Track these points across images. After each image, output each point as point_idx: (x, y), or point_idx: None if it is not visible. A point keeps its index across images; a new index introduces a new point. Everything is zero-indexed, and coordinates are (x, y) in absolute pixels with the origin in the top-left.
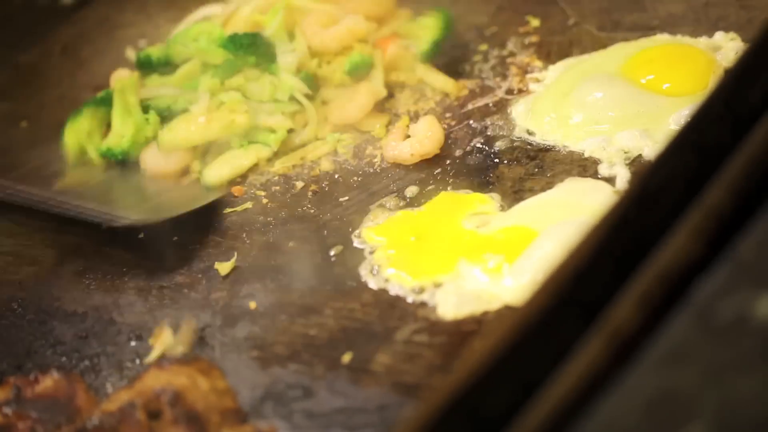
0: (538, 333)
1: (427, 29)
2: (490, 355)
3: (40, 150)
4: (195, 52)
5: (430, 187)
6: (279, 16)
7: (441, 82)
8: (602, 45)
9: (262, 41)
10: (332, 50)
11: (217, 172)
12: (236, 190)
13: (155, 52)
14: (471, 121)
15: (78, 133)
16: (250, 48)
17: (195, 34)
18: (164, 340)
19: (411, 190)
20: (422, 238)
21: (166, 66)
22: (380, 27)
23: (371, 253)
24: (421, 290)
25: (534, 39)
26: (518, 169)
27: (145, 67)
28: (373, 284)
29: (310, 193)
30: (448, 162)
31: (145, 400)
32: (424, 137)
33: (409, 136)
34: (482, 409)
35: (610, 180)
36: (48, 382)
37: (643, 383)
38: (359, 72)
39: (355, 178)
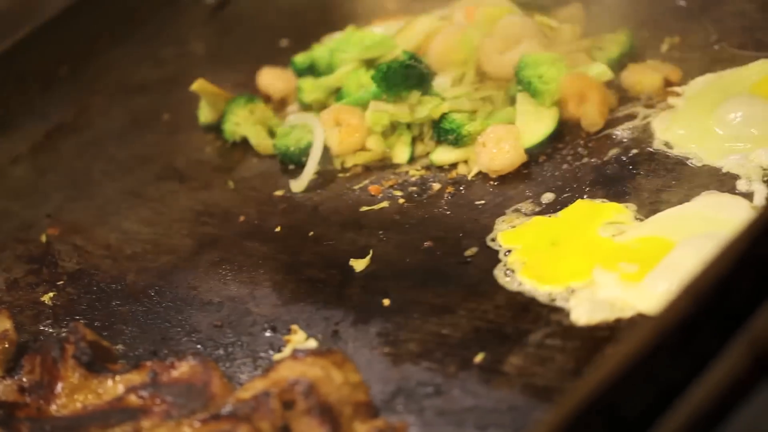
0: (677, 340)
1: (610, 44)
2: (627, 360)
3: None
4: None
5: (566, 195)
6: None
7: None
8: (743, 63)
9: (416, 73)
10: (506, 76)
11: (445, 154)
12: (373, 189)
13: (316, 56)
14: (609, 132)
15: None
16: (402, 85)
17: (357, 41)
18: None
19: (547, 197)
20: (558, 243)
21: (326, 69)
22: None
23: (506, 256)
24: (555, 295)
25: (675, 54)
26: (655, 181)
27: (303, 70)
28: (506, 287)
29: (446, 195)
30: (585, 170)
31: (280, 390)
32: None
33: None
34: (618, 414)
35: (748, 196)
36: (184, 367)
37: None
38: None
39: (491, 182)
